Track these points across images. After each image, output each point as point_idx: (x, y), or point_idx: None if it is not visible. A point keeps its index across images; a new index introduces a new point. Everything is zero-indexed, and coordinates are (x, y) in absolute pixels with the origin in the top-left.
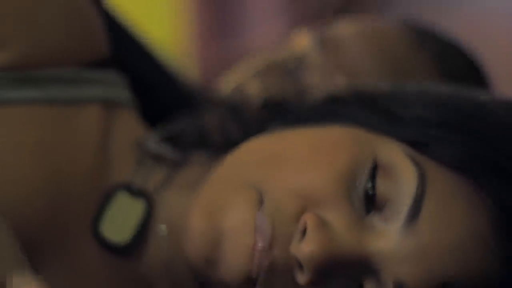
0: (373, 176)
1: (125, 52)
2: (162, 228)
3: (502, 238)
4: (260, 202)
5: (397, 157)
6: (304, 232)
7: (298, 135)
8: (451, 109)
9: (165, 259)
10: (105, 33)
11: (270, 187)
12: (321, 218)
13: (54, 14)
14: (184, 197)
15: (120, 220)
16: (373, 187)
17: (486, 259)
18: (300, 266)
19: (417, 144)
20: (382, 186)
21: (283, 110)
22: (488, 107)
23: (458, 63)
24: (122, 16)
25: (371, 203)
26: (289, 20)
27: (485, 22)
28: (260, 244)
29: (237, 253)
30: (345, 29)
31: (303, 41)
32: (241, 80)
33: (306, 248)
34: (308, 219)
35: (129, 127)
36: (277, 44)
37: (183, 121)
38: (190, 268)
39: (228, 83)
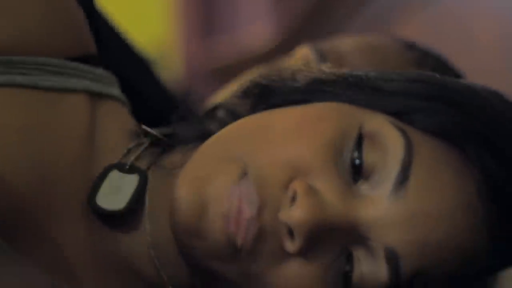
0: (359, 145)
1: (112, 54)
2: (151, 202)
3: (488, 206)
4: (244, 173)
5: (382, 127)
6: (293, 199)
7: (283, 111)
8: (434, 83)
9: (153, 236)
10: (90, 32)
11: (255, 159)
12: (310, 185)
13: (40, 5)
14: (171, 176)
15: (115, 192)
16: (360, 156)
17: (474, 227)
18: (290, 234)
19: (402, 115)
20: (368, 155)
21: (267, 94)
22: (470, 84)
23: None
24: (109, 15)
25: (358, 172)
26: (277, 19)
27: (463, 18)
28: (247, 211)
29: (220, 220)
30: (347, 43)
31: (304, 54)
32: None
33: (297, 213)
34: (298, 186)
35: (117, 116)
36: (276, 57)
37: (176, 125)
38: (176, 241)
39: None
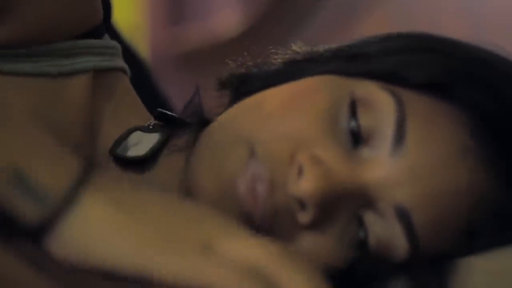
0: (353, 111)
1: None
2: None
3: (486, 145)
4: (252, 152)
5: (371, 91)
6: (300, 172)
7: (274, 89)
8: (414, 37)
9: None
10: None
11: (259, 136)
12: (314, 155)
13: None
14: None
15: (136, 146)
16: (356, 121)
17: (477, 168)
18: (302, 206)
19: (387, 77)
20: (363, 118)
21: (246, 82)
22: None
23: None
24: None
25: (357, 137)
26: (244, 6)
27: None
28: (260, 190)
29: (236, 202)
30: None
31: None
32: None
33: (305, 184)
34: (302, 158)
35: (121, 90)
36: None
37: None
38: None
39: None
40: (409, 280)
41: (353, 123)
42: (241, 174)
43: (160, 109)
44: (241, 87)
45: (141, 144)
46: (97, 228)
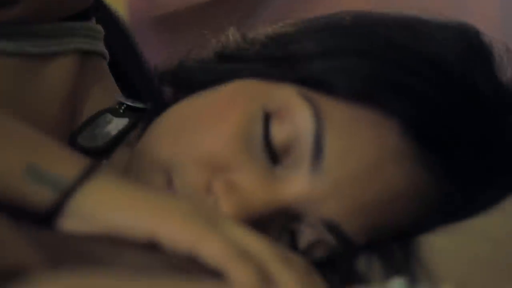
0: (266, 126)
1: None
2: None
3: (418, 147)
4: (170, 180)
5: (289, 99)
6: (216, 201)
7: (192, 103)
8: (337, 34)
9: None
10: None
11: (176, 163)
12: (229, 182)
13: None
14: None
15: (99, 131)
16: (269, 137)
17: (409, 171)
18: None
19: (311, 83)
20: (279, 133)
21: (179, 79)
22: (379, 26)
23: None
24: None
25: (273, 153)
26: None
27: None
28: None
29: None
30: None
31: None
32: None
33: (224, 210)
34: (217, 187)
35: (101, 74)
36: None
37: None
38: None
39: None
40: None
41: (268, 140)
42: None
43: (121, 99)
44: (177, 85)
45: (106, 129)
46: (108, 200)
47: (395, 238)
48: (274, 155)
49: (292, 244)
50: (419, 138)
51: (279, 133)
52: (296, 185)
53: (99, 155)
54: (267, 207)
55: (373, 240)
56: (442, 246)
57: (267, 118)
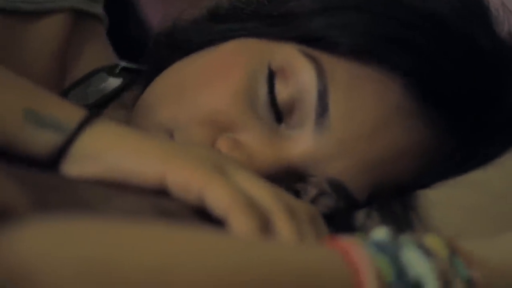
0: (271, 84)
1: None
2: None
3: (418, 101)
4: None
5: (292, 58)
6: None
7: (192, 63)
8: None
9: None
10: None
11: (178, 122)
12: (234, 140)
13: None
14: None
15: (97, 87)
16: (274, 95)
17: (412, 128)
18: None
19: (312, 41)
20: (283, 91)
21: (174, 42)
22: None
23: None
24: None
25: (278, 112)
26: None
27: None
28: None
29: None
30: None
31: None
32: None
33: None
34: (221, 145)
35: (95, 37)
36: None
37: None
38: None
39: None
40: (377, 212)
41: (272, 98)
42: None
43: (116, 61)
44: (172, 48)
45: (99, 87)
46: (115, 143)
47: (395, 194)
48: (279, 114)
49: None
50: (421, 94)
51: (283, 91)
52: (302, 144)
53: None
54: (272, 165)
55: (374, 195)
56: (439, 199)
57: (271, 77)
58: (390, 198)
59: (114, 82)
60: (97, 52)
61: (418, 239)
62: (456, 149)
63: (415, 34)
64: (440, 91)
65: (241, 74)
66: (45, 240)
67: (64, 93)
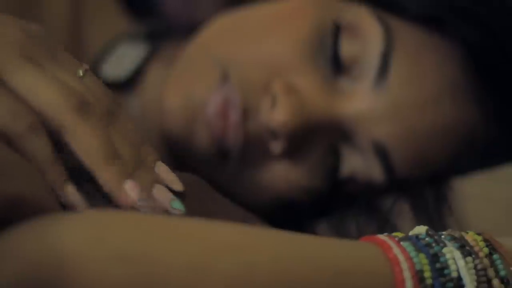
0: (336, 37)
1: None
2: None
3: (476, 82)
4: (226, 76)
5: (360, 17)
6: (274, 102)
7: (257, 8)
8: None
9: (141, 112)
10: None
11: (235, 60)
12: (290, 84)
13: None
14: (162, 70)
15: (120, 60)
16: (338, 48)
17: (464, 107)
18: (274, 136)
19: (383, 4)
20: (347, 46)
21: None
22: None
23: None
24: None
25: (338, 65)
26: None
27: None
28: (232, 116)
29: (207, 127)
30: None
31: None
32: None
33: (278, 115)
34: (277, 86)
35: (106, 5)
36: None
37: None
38: (168, 145)
39: None
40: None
41: (335, 51)
42: (212, 98)
43: (148, 21)
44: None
45: (125, 59)
46: None
47: (430, 180)
48: (338, 68)
49: (334, 167)
50: (478, 70)
51: (347, 46)
52: (356, 99)
53: (122, 86)
54: (323, 116)
55: (409, 180)
56: (475, 192)
57: (337, 31)
58: (423, 186)
59: (138, 51)
60: (110, 18)
61: (458, 237)
62: (499, 138)
63: (482, 7)
64: (497, 69)
65: (308, 23)
66: (87, 233)
67: (97, 63)
